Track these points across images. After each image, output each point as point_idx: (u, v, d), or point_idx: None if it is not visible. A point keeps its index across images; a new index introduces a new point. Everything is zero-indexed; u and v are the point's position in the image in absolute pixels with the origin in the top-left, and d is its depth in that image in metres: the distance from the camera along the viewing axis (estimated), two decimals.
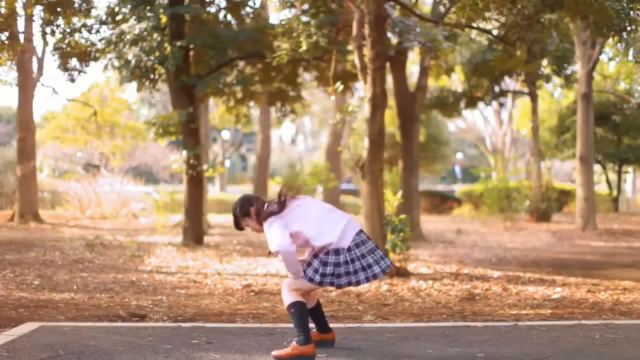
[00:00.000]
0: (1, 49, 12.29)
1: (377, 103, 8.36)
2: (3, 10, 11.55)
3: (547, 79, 21.77)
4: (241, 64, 14.09)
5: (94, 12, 12.78)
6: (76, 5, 12.40)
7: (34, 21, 15.08)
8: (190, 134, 12.64)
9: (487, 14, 8.90)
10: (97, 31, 12.90)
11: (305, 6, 11.80)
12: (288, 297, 4.03)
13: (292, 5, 12.25)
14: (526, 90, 22.15)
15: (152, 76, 12.29)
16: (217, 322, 5.28)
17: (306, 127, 53.53)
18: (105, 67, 12.60)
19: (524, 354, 4.03)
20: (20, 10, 13.14)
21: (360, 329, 4.83)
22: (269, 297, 6.79)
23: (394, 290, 7.23)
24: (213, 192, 35.60)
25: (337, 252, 3.94)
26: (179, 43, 11.80)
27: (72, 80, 13.46)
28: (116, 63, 12.27)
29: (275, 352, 3.94)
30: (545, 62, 20.20)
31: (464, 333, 4.70)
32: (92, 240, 12.91)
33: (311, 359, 3.87)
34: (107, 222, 20.30)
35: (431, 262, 9.91)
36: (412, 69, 23.97)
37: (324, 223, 4.02)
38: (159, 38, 11.97)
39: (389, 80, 15.40)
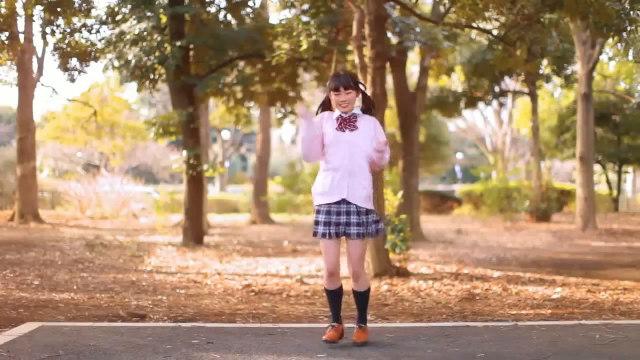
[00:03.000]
0: (1, 49, 12.28)
1: (377, 103, 8.33)
2: (3, 10, 11.55)
3: (547, 79, 21.78)
4: (241, 64, 14.09)
5: (94, 12, 12.78)
6: (76, 5, 12.39)
7: (34, 21, 15.08)
8: (190, 134, 12.65)
9: (487, 14, 8.89)
10: (97, 31, 12.91)
11: (305, 6, 11.80)
12: (367, 279, 4.29)
13: (292, 5, 12.25)
14: (526, 90, 22.16)
15: (152, 76, 12.30)
16: (217, 322, 5.28)
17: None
18: (105, 67, 12.61)
19: (524, 354, 4.03)
20: (20, 10, 13.13)
21: None
22: (269, 297, 6.79)
23: (394, 290, 7.23)
24: (213, 192, 35.63)
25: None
26: (179, 43, 11.80)
27: (72, 80, 13.46)
28: (116, 63, 12.28)
29: (360, 341, 4.22)
30: (545, 62, 20.21)
31: (464, 333, 4.70)
32: (92, 240, 12.91)
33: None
34: (107, 222, 20.31)
35: (431, 262, 9.91)
36: (412, 69, 23.97)
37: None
38: (159, 38, 11.97)
39: (389, 80, 15.40)
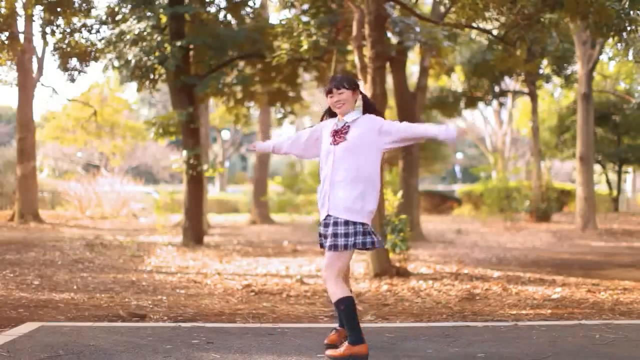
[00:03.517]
0: (1, 49, 12.28)
1: (377, 103, 8.35)
2: (3, 10, 11.55)
3: (547, 79, 21.79)
4: (241, 64, 14.09)
5: (94, 12, 12.78)
6: (76, 5, 12.39)
7: (34, 21, 15.08)
8: (190, 134, 12.64)
9: (487, 14, 8.89)
10: (97, 31, 12.91)
11: (305, 6, 11.80)
12: (337, 290, 3.86)
13: (292, 5, 12.26)
14: (526, 90, 22.17)
15: (152, 76, 12.30)
16: (217, 322, 5.28)
17: (306, 127, 53.61)
18: (105, 67, 12.60)
19: (524, 354, 4.03)
20: (20, 10, 13.13)
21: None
22: (269, 297, 6.79)
23: (394, 290, 7.23)
24: (213, 192, 35.64)
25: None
26: (179, 43, 11.80)
27: (72, 80, 13.46)
28: (116, 63, 12.27)
29: (329, 352, 3.88)
30: (545, 62, 20.22)
31: (464, 333, 4.70)
32: (92, 240, 12.91)
33: (364, 358, 3.76)
34: (107, 222, 20.31)
35: (431, 262, 9.91)
36: (412, 69, 23.98)
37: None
38: (159, 38, 11.97)
39: (389, 80, 15.40)
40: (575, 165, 19.37)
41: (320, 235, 4.10)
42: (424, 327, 5.04)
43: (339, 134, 4.08)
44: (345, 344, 3.86)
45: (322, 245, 4.07)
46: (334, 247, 3.87)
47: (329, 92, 4.13)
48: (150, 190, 29.35)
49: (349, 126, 4.08)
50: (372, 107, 4.24)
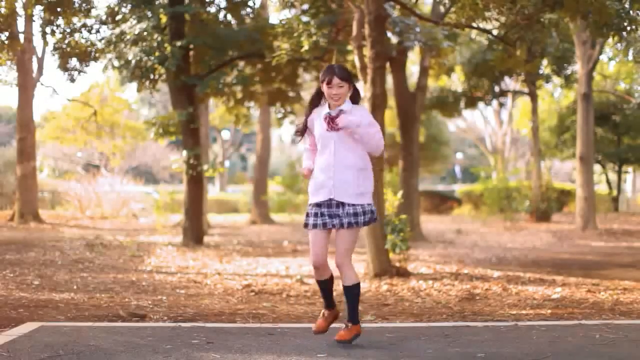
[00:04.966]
0: (1, 49, 12.28)
1: (377, 103, 8.35)
2: (3, 10, 11.54)
3: (547, 79, 21.77)
4: (241, 64, 14.09)
5: (94, 12, 12.77)
6: (76, 5, 12.38)
7: (34, 21, 15.09)
8: (190, 134, 12.65)
9: (487, 14, 8.89)
10: (97, 31, 12.90)
11: (305, 6, 11.80)
12: (355, 274, 4.24)
13: (292, 5, 12.25)
14: (526, 90, 22.16)
15: (152, 76, 12.30)
16: (217, 322, 5.28)
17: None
18: (105, 67, 12.60)
19: (524, 354, 4.03)
20: (20, 10, 13.13)
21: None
22: (269, 297, 6.79)
23: (394, 290, 7.23)
24: (213, 192, 35.63)
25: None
26: (179, 43, 11.80)
27: (72, 80, 13.45)
28: (116, 63, 12.28)
29: (341, 339, 4.18)
30: (545, 62, 20.21)
31: (464, 333, 4.70)
32: (92, 240, 12.91)
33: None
34: (107, 222, 20.31)
35: (431, 262, 9.91)
36: (412, 69, 23.97)
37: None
38: (159, 38, 11.97)
39: (389, 80, 15.40)
40: (575, 165, 19.37)
41: (315, 215, 4.17)
42: (424, 327, 5.04)
43: (335, 121, 4.14)
44: (349, 325, 4.19)
45: (315, 226, 4.15)
46: (356, 224, 4.12)
47: (329, 82, 4.15)
48: (150, 190, 29.33)
49: (343, 113, 4.17)
50: (359, 96, 4.37)
